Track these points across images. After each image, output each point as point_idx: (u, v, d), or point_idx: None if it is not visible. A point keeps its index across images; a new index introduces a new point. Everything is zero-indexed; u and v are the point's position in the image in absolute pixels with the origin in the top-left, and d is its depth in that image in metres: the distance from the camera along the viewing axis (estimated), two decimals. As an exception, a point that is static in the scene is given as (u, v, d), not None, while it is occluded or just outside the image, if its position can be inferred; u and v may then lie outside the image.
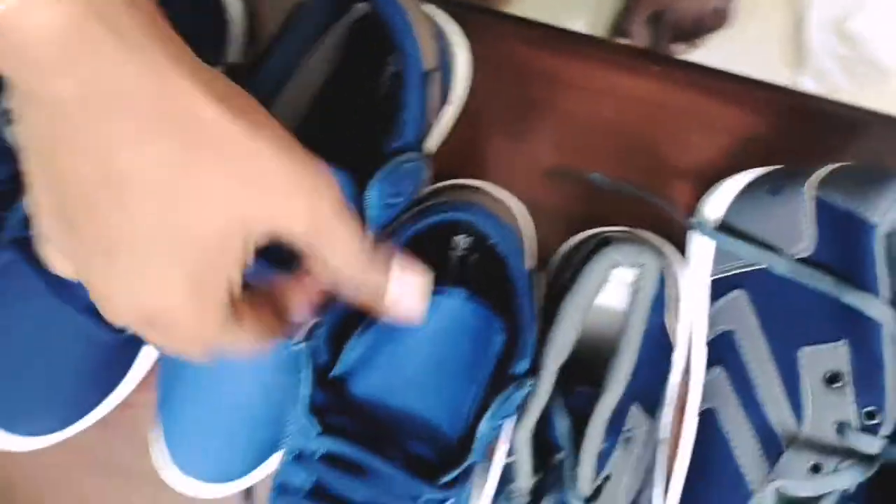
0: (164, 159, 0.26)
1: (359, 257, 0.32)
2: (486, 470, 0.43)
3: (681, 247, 0.48)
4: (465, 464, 0.37)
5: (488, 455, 0.43)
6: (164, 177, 0.26)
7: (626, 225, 0.48)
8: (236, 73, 0.41)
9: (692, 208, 0.48)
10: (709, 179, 0.49)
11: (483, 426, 0.37)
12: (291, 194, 0.29)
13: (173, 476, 0.48)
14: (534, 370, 0.40)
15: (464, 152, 0.51)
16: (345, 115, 0.46)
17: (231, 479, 0.48)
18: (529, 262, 0.43)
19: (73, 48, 0.24)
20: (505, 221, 0.41)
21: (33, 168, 0.28)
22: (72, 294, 0.44)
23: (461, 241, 0.43)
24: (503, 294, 0.40)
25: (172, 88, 0.26)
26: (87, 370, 0.48)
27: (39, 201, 0.28)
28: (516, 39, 0.51)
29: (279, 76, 0.42)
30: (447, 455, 0.38)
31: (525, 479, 0.40)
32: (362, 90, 0.46)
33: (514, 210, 0.47)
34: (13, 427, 0.49)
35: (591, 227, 0.49)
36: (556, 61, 0.51)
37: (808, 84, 0.92)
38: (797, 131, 0.50)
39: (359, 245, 0.32)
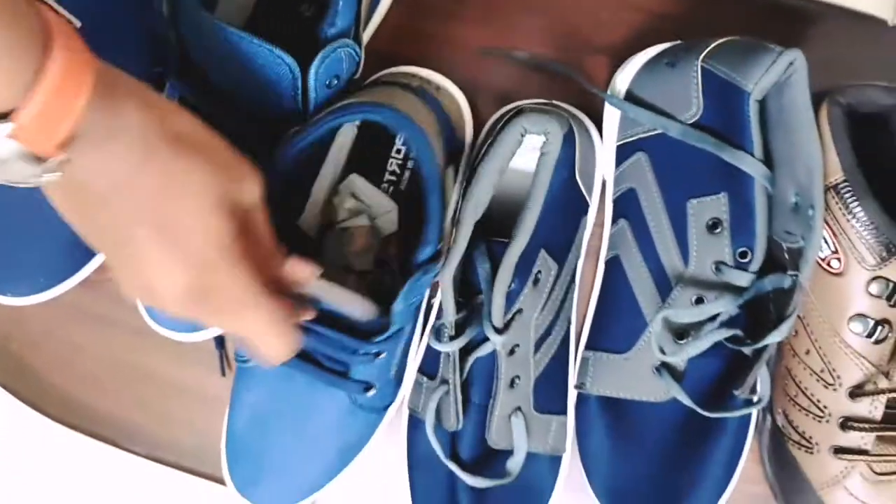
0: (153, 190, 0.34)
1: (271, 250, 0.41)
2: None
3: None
4: (390, 331, 0.44)
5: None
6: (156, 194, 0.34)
7: (550, 99, 0.54)
8: None
9: (608, 82, 0.54)
10: (623, 55, 0.54)
11: (397, 306, 0.44)
12: (246, 184, 0.38)
13: (154, 326, 0.55)
14: (438, 253, 0.47)
15: (403, 36, 0.56)
16: (285, 5, 0.51)
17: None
18: (440, 155, 0.49)
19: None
20: (417, 123, 0.46)
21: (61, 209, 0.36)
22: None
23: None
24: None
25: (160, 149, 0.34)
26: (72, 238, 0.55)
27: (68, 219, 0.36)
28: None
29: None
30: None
31: (450, 315, 0.48)
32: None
33: (449, 91, 0.53)
34: (10, 290, 0.56)
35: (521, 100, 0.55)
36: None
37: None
38: (704, 7, 0.55)
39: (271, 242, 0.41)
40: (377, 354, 0.50)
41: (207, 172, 0.36)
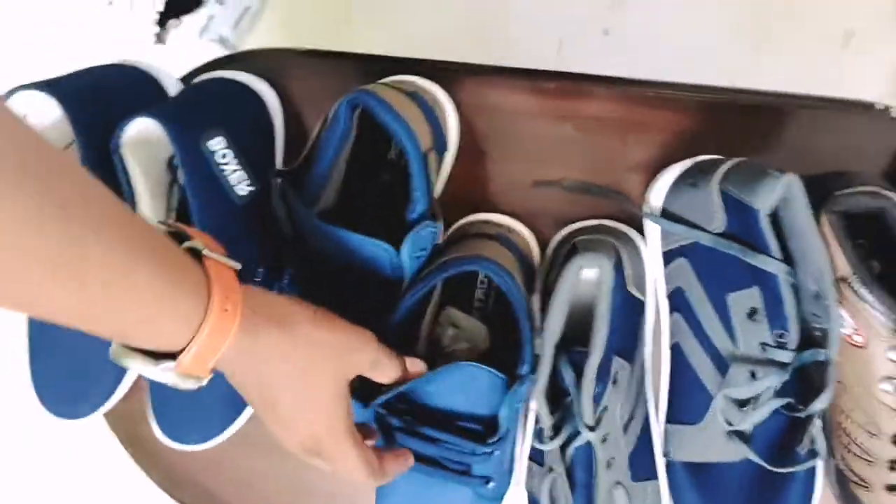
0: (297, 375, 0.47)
1: (396, 371, 0.54)
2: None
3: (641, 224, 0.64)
4: (500, 433, 0.55)
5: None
6: (298, 382, 0.47)
7: (595, 215, 0.65)
8: (285, 178, 0.59)
9: (642, 197, 0.64)
10: (652, 168, 0.64)
11: (503, 412, 0.55)
12: (362, 352, 0.50)
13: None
14: (534, 367, 0.57)
15: (467, 183, 0.67)
16: (370, 197, 0.63)
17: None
18: (522, 285, 0.60)
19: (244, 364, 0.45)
20: (503, 267, 0.57)
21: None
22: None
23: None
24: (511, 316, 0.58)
25: (296, 339, 0.46)
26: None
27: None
28: (487, 85, 0.67)
29: (322, 178, 0.59)
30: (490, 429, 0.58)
31: (546, 421, 0.58)
32: (374, 177, 0.63)
33: (518, 230, 0.64)
34: (184, 439, 0.70)
35: (573, 222, 0.65)
36: (518, 96, 0.66)
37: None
38: (715, 120, 0.64)
39: (396, 366, 0.53)
40: (492, 453, 0.61)
41: (331, 363, 0.48)
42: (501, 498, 0.64)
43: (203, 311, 0.41)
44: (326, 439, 0.49)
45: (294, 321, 0.47)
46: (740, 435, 0.59)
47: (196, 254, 0.44)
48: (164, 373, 0.42)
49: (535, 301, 0.62)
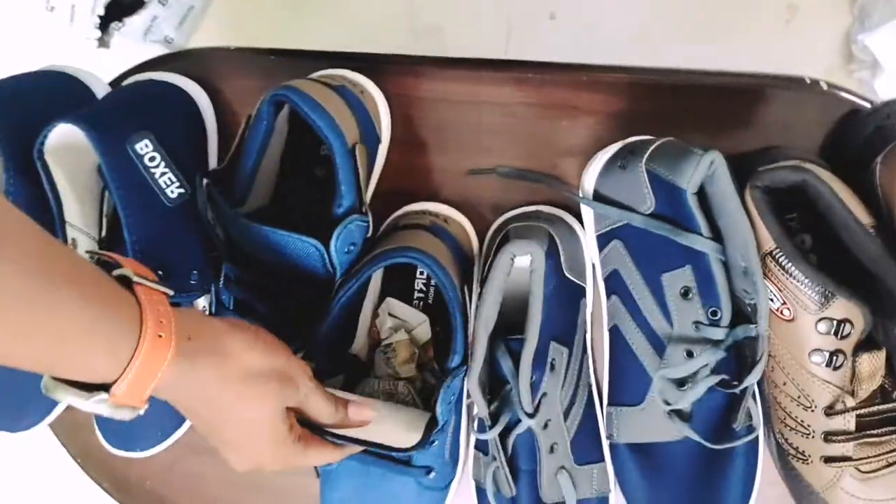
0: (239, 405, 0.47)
1: (331, 412, 0.53)
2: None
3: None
4: (438, 428, 0.55)
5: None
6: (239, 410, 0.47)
7: (533, 202, 0.65)
8: (211, 178, 0.58)
9: (578, 181, 0.64)
10: (587, 152, 0.64)
11: (439, 408, 0.55)
12: (295, 383, 0.50)
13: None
14: (465, 360, 0.57)
15: (402, 174, 0.67)
16: (298, 194, 0.62)
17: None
18: (457, 277, 0.59)
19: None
20: (435, 258, 0.57)
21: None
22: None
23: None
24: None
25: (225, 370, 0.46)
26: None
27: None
28: (419, 76, 0.66)
29: (248, 177, 0.58)
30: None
31: (483, 411, 0.58)
32: (307, 173, 0.62)
33: (456, 219, 0.64)
34: (130, 447, 0.69)
35: (511, 209, 0.65)
36: (451, 85, 0.66)
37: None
38: (648, 102, 0.64)
39: (328, 406, 0.53)
40: (431, 443, 0.60)
41: (269, 392, 0.48)
42: (446, 487, 0.64)
43: (136, 339, 0.41)
44: (273, 464, 0.51)
45: (231, 348, 0.47)
46: (680, 414, 0.59)
47: (127, 282, 0.43)
48: (97, 405, 0.41)
49: (476, 291, 0.62)
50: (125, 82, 0.71)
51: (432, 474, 0.61)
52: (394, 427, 0.56)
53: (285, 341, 0.51)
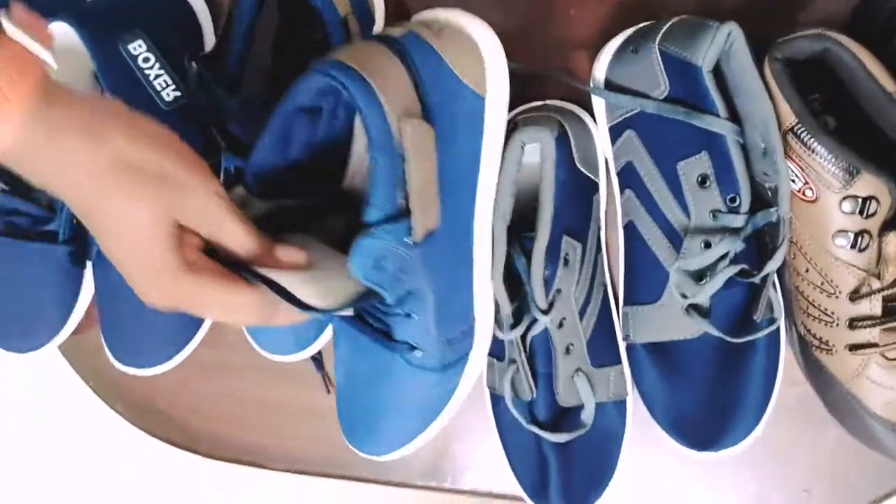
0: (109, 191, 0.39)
1: (250, 243, 0.44)
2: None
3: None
4: (362, 295, 0.47)
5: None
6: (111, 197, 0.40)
7: (545, 97, 0.62)
8: (211, 62, 0.56)
9: (590, 69, 0.61)
10: (598, 44, 0.61)
11: (357, 271, 0.46)
12: (193, 194, 0.41)
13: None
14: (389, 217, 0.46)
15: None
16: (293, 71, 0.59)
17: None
18: (399, 111, 0.47)
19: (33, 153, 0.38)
20: (366, 81, 0.45)
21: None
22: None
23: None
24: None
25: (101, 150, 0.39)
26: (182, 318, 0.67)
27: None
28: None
29: (237, 58, 0.56)
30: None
31: (506, 308, 0.56)
32: (301, 49, 0.60)
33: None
34: (145, 363, 0.68)
35: (520, 104, 0.63)
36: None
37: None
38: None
39: (246, 234, 0.44)
40: (408, 315, 0.52)
41: (146, 194, 0.40)
42: (440, 371, 0.56)
43: None
44: (154, 294, 0.42)
45: (105, 129, 0.39)
46: (698, 309, 0.57)
47: None
48: None
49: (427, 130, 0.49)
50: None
51: (417, 352, 0.53)
52: (326, 277, 0.47)
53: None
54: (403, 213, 0.47)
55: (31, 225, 0.65)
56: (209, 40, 0.66)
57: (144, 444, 0.78)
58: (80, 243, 0.67)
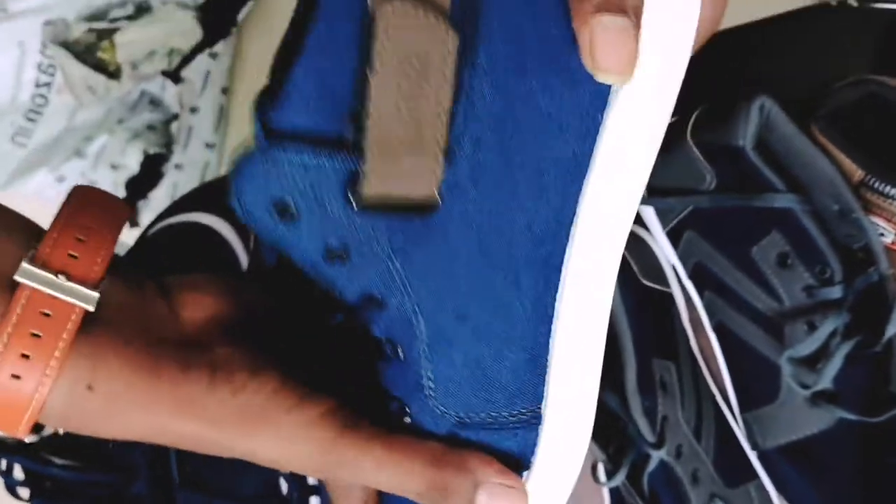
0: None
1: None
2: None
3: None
4: None
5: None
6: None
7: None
8: None
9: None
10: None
11: None
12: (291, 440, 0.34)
13: None
14: None
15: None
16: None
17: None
18: None
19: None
20: None
21: None
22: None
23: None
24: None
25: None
26: None
27: None
28: None
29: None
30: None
31: (598, 454, 0.52)
32: None
33: None
34: None
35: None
36: None
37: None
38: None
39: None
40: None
41: None
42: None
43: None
44: None
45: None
46: (824, 396, 0.52)
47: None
48: None
49: None
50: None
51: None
52: None
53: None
54: (347, 143, 0.28)
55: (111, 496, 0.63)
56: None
57: None
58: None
